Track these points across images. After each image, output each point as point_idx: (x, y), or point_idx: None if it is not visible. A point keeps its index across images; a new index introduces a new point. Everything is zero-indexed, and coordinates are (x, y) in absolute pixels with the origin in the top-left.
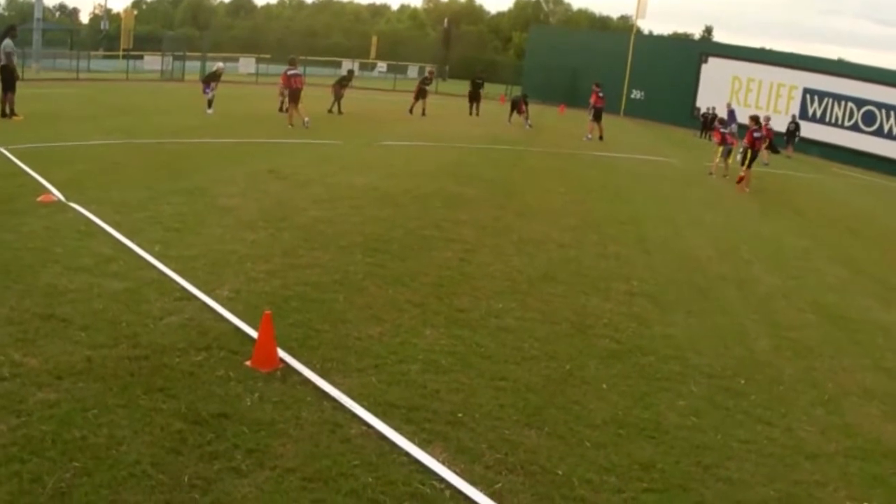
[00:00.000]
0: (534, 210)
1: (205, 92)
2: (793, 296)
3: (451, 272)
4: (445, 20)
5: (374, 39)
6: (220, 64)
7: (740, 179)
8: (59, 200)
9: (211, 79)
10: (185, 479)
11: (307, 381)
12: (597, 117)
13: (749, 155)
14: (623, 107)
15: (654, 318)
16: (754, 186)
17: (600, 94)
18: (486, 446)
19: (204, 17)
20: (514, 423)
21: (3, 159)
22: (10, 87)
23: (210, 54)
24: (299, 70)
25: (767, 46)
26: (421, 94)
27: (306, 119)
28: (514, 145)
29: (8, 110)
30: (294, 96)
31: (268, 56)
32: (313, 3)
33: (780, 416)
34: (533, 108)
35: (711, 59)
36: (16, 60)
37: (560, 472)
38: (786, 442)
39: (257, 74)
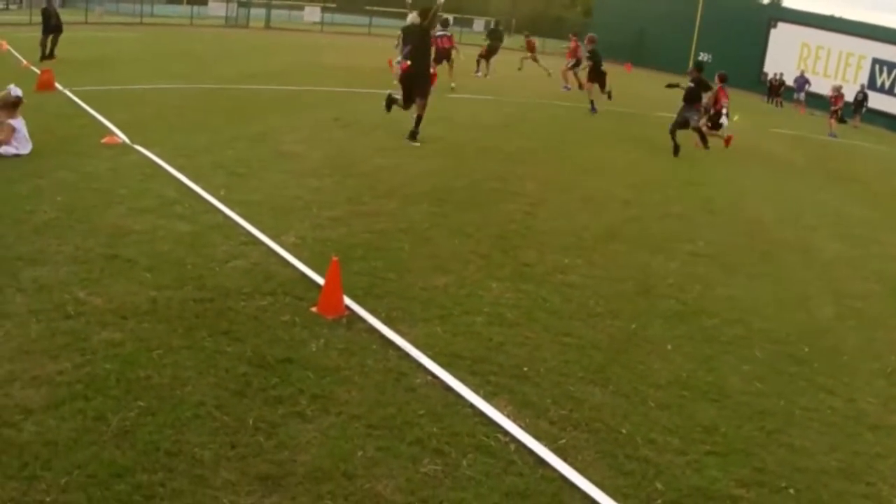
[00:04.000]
0: (597, 167)
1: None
2: (856, 264)
3: (515, 225)
4: None
5: None
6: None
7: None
8: (123, 142)
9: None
10: (250, 422)
11: (372, 330)
12: (595, 74)
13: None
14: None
15: (717, 280)
16: (819, 155)
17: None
18: (551, 401)
19: None
20: (579, 379)
21: (67, 101)
22: (48, 29)
23: (275, 1)
24: (448, 31)
25: (837, 14)
26: (491, 51)
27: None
28: (577, 102)
29: (48, 51)
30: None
31: (333, 5)
32: None
33: (842, 386)
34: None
35: (781, 25)
36: (56, 3)
37: (624, 431)
38: (847, 412)
39: (322, 23)
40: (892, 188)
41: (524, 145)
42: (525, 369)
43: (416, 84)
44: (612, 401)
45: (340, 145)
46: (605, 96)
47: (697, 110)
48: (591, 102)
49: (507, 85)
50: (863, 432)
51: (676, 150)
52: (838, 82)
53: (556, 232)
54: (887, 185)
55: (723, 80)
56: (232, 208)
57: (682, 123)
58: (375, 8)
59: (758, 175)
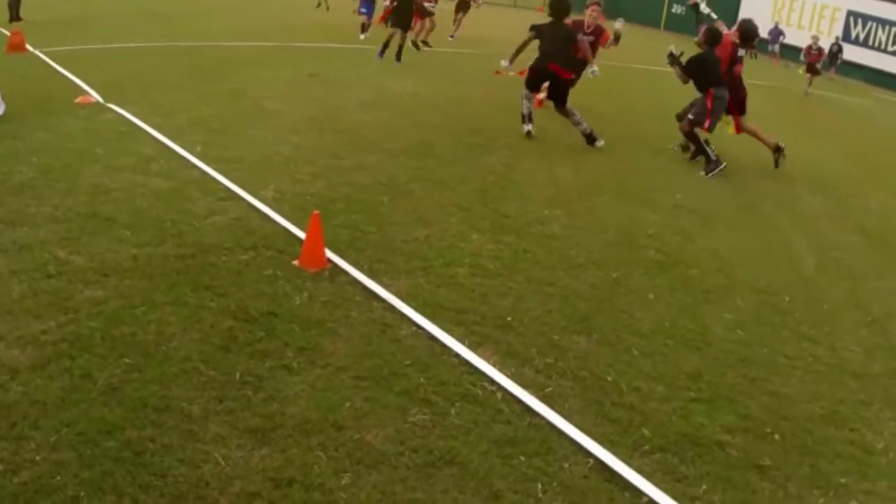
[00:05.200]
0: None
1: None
2: (836, 217)
3: (496, 178)
4: None
5: None
6: None
7: None
8: (98, 102)
9: None
10: (237, 376)
11: (355, 282)
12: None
13: None
14: (664, 21)
15: (699, 232)
16: (796, 108)
17: None
18: (536, 350)
19: None
20: (563, 329)
21: (39, 62)
22: None
23: None
24: None
25: None
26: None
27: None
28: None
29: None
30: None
31: None
32: None
33: (824, 335)
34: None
35: None
36: None
37: (609, 379)
38: (830, 360)
39: None
40: (869, 141)
41: (504, 100)
42: (509, 319)
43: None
44: (597, 349)
45: (318, 101)
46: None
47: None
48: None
49: (485, 37)
50: (846, 380)
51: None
52: (815, 34)
53: (536, 184)
54: (865, 138)
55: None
56: (210, 164)
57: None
58: None
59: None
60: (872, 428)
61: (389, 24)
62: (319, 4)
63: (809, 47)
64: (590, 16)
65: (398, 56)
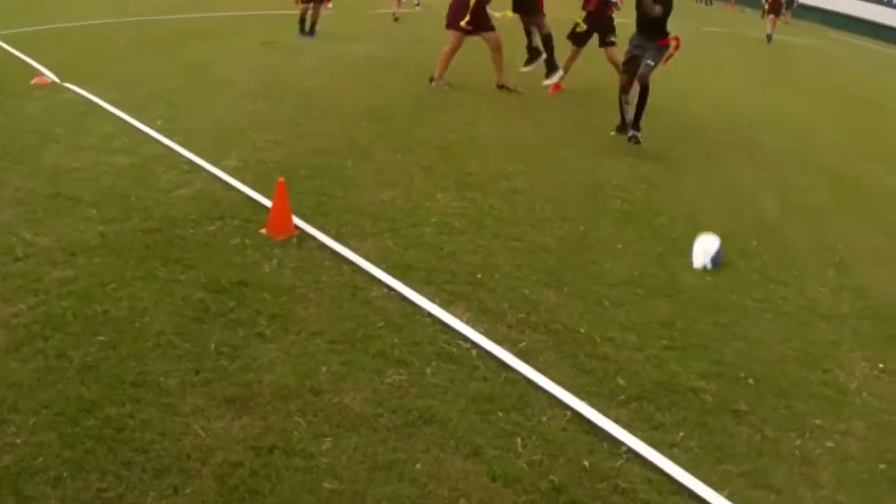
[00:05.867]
0: (538, 75)
1: None
2: (800, 159)
3: (458, 136)
4: None
5: None
6: None
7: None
8: (55, 82)
9: None
10: (212, 347)
11: (324, 247)
12: None
13: None
14: None
15: (663, 181)
16: (754, 53)
17: None
18: (508, 306)
19: None
20: (533, 283)
21: None
22: None
23: None
24: None
25: None
26: None
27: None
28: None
29: None
30: None
31: None
32: None
33: (792, 277)
34: None
35: None
36: None
37: (582, 331)
38: (799, 302)
39: None
40: (829, 83)
41: (464, 57)
42: (479, 276)
43: None
44: (568, 302)
45: (272, 69)
46: None
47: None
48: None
49: None
50: (815, 321)
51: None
52: None
53: (498, 140)
54: (824, 80)
55: None
56: (171, 138)
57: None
58: None
59: (695, 75)
60: (844, 368)
61: None
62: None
63: None
64: None
65: (311, 30)
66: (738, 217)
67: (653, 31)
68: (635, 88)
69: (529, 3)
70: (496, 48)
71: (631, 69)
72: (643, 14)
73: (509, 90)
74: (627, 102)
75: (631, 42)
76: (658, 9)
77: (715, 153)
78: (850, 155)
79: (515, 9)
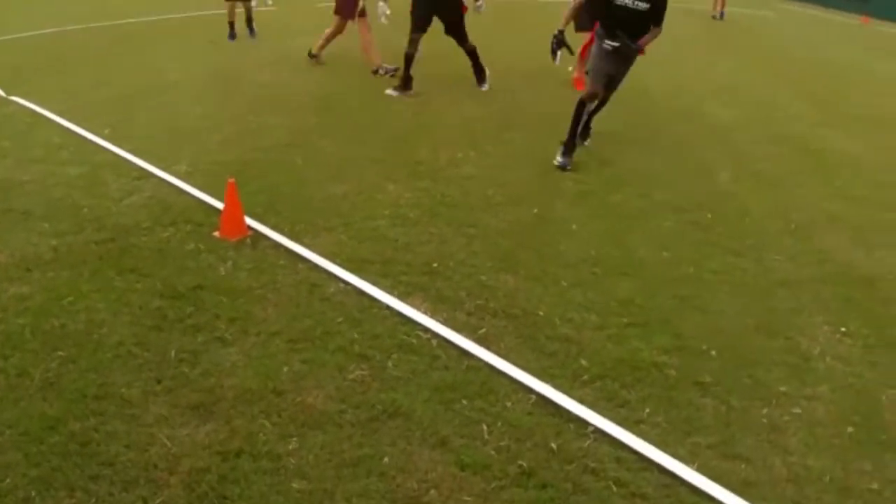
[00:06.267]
0: (486, 60)
1: None
2: (752, 129)
3: (405, 125)
4: None
5: None
6: None
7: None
8: (0, 96)
9: None
10: (172, 354)
11: (278, 246)
12: None
13: None
14: None
15: (616, 157)
16: (705, 26)
17: None
18: (465, 293)
19: None
20: (489, 268)
21: None
22: None
23: None
24: None
25: None
26: None
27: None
28: None
29: None
30: None
31: None
32: None
33: (749, 248)
34: None
35: None
36: None
37: (541, 314)
38: (757, 271)
39: None
40: (782, 53)
41: (400, 43)
42: (434, 265)
43: None
44: (525, 285)
45: (219, 68)
46: None
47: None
48: None
49: None
50: (774, 289)
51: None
52: None
53: (445, 126)
54: (777, 50)
55: None
56: (119, 145)
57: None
58: None
59: (648, 51)
60: (806, 334)
61: None
62: None
63: None
64: None
65: (249, 27)
66: (692, 190)
67: (641, 32)
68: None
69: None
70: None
71: (611, 85)
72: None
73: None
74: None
75: (606, 41)
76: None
77: (666, 125)
78: (806, 123)
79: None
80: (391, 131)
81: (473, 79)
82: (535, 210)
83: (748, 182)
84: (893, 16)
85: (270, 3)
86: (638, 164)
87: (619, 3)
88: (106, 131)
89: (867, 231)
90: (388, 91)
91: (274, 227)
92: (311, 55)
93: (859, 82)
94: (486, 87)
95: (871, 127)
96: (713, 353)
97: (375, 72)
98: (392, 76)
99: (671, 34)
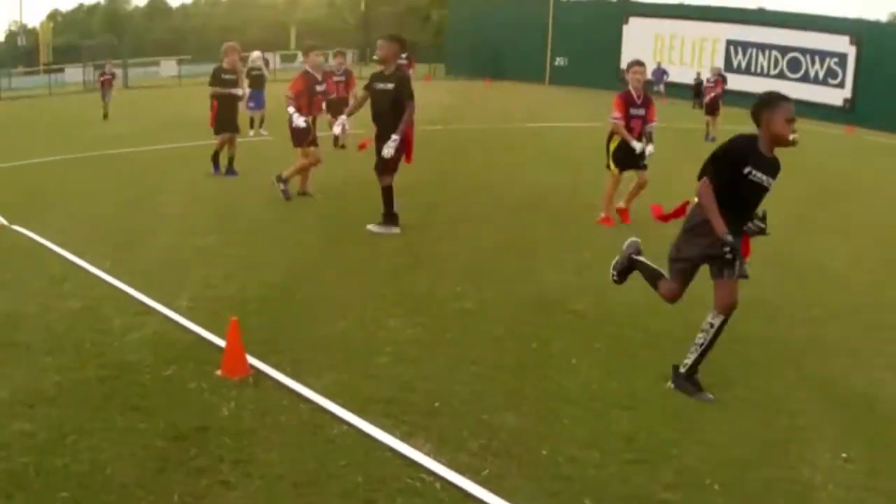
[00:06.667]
0: (476, 185)
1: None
2: (759, 253)
3: (403, 258)
4: (362, 4)
5: (293, 30)
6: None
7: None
8: (2, 224)
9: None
10: (175, 498)
11: (281, 385)
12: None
13: None
14: (548, 75)
15: (610, 287)
16: (691, 144)
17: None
18: (468, 433)
19: (121, 23)
20: (492, 406)
21: None
22: None
23: (131, 60)
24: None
25: (687, 1)
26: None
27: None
28: (443, 124)
29: None
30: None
31: (188, 57)
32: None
33: (748, 377)
34: (458, 84)
35: (632, 20)
36: None
37: (544, 452)
38: (758, 401)
39: (180, 77)
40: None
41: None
42: (437, 404)
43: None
44: (528, 423)
45: (218, 199)
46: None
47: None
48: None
49: None
50: (774, 418)
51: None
52: (714, 67)
53: (442, 258)
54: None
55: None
56: (121, 279)
57: None
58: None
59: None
60: (808, 462)
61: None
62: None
63: (706, 81)
64: (634, 79)
65: (229, 167)
66: (687, 319)
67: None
68: None
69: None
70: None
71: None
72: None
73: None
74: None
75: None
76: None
77: (664, 252)
78: (794, 240)
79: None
80: (389, 265)
81: (467, 210)
82: (535, 344)
83: (742, 308)
84: (876, 125)
85: (265, 133)
86: (633, 293)
87: (753, 178)
88: (107, 263)
89: (863, 351)
90: (370, 227)
91: (275, 366)
92: (279, 179)
93: (845, 193)
94: (374, 229)
95: (859, 240)
96: (716, 487)
97: (280, 179)
98: (287, 199)
99: (662, 153)
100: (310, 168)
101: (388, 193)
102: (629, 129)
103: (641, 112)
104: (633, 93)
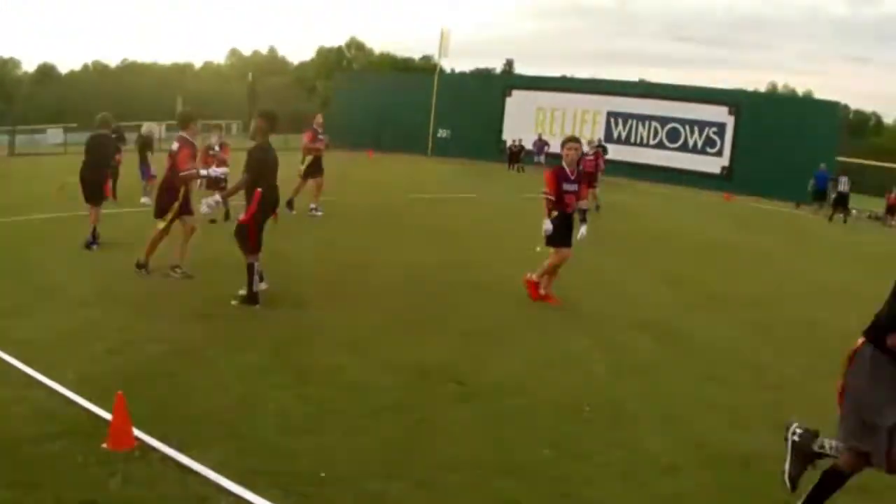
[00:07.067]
0: (359, 258)
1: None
2: (619, 317)
3: (288, 329)
4: (249, 74)
5: (179, 99)
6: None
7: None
8: None
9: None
10: None
11: (167, 458)
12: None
13: None
14: (430, 147)
15: (492, 354)
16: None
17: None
18: (352, 502)
19: (7, 90)
20: (377, 476)
21: None
22: None
23: (19, 127)
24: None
25: (569, 74)
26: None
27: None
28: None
29: None
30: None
31: (74, 125)
32: (117, 66)
33: (629, 438)
34: (342, 155)
35: (515, 92)
36: None
37: None
38: (639, 461)
39: (66, 144)
40: (643, 234)
41: (279, 248)
42: (323, 475)
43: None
44: (413, 492)
45: (102, 270)
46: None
47: None
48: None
49: None
50: (656, 478)
51: None
52: (591, 140)
53: (327, 329)
54: (638, 232)
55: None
56: (5, 350)
57: None
58: (121, 124)
59: (507, 241)
60: None
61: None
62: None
63: (585, 155)
64: (567, 155)
65: (92, 237)
66: (569, 383)
67: None
68: None
69: None
70: (191, 232)
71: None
72: None
73: (176, 273)
74: None
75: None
76: None
77: (536, 318)
78: (672, 307)
79: None
80: (273, 338)
81: (349, 284)
82: (418, 415)
83: (624, 371)
84: (750, 190)
85: (147, 201)
86: (514, 359)
87: None
88: None
89: (741, 412)
90: (234, 302)
91: (162, 439)
92: (137, 264)
93: (722, 259)
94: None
95: (736, 306)
96: None
97: (142, 266)
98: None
99: (534, 225)
100: (188, 239)
101: (250, 271)
102: (564, 205)
103: (574, 188)
104: (567, 168)
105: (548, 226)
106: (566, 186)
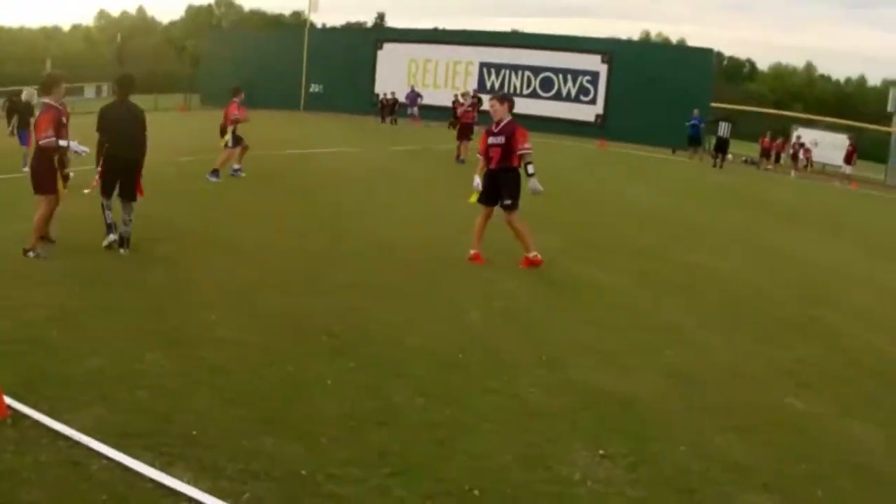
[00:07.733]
0: (240, 214)
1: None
2: (504, 267)
3: (158, 291)
4: (118, 36)
5: (48, 63)
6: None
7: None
8: None
9: None
10: None
11: (39, 424)
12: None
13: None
14: (303, 102)
15: (368, 307)
16: (442, 163)
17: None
18: (227, 459)
19: None
20: (249, 432)
21: None
22: None
23: None
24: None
25: (442, 26)
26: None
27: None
28: (193, 155)
29: None
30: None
31: None
32: None
33: (504, 384)
34: (213, 114)
35: (387, 45)
36: None
37: (304, 472)
38: (514, 406)
39: None
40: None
41: (160, 211)
42: (194, 433)
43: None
44: (286, 446)
45: None
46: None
47: None
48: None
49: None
50: (532, 422)
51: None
52: (466, 90)
53: (195, 289)
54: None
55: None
56: None
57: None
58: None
59: (383, 194)
60: (566, 462)
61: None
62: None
63: (461, 106)
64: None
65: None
66: (444, 332)
67: None
68: None
69: None
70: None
71: None
72: None
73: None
74: None
75: None
76: None
77: (414, 270)
78: (551, 254)
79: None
80: (147, 299)
81: (223, 240)
82: (290, 369)
83: (496, 318)
84: (622, 138)
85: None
86: (390, 311)
87: None
88: None
89: (619, 354)
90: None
91: (33, 406)
92: (25, 251)
93: (602, 207)
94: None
95: (613, 253)
96: (476, 492)
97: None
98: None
99: (408, 176)
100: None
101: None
102: (488, 158)
103: (500, 140)
104: (494, 122)
105: (476, 182)
106: (491, 140)
